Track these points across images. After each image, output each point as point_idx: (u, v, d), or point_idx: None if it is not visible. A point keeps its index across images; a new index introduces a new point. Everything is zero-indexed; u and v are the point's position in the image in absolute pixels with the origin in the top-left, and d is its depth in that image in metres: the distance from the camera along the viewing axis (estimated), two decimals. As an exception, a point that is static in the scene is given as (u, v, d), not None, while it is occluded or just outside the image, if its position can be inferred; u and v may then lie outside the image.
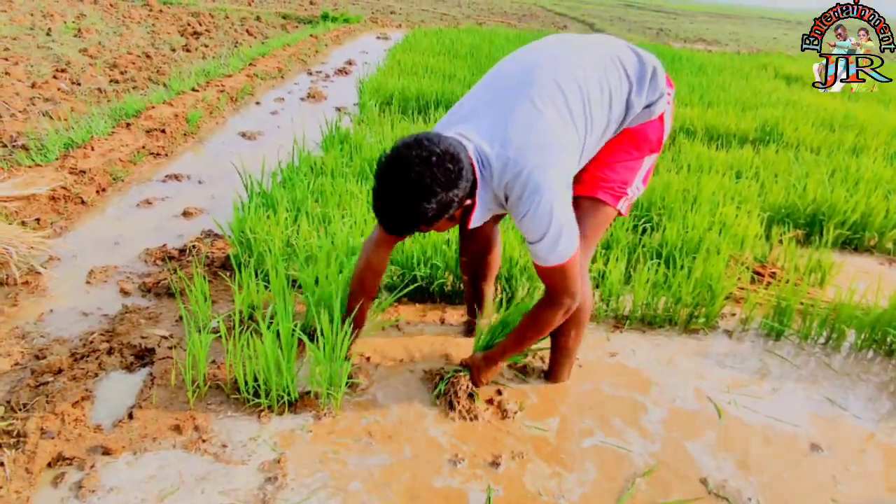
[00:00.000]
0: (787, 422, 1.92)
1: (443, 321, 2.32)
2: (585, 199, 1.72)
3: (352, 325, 1.88)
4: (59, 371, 1.83)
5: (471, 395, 1.86)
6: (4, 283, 2.31)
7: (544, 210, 1.46)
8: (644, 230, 2.95)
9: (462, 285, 2.35)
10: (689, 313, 2.41)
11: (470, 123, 1.54)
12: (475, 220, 1.56)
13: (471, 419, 1.81)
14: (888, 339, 2.34)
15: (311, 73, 7.36)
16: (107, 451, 1.57)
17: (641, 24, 22.83)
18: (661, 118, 1.71)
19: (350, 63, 8.21)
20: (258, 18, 12.57)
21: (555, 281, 1.59)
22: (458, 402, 1.83)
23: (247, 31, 10.39)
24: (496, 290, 2.40)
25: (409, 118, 4.83)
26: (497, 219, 2.08)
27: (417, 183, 1.37)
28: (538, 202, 1.46)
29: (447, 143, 1.42)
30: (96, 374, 1.85)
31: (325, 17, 13.37)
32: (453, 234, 2.46)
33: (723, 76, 8.05)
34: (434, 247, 2.41)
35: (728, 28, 26.42)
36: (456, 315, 2.35)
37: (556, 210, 1.47)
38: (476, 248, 2.06)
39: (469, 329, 2.23)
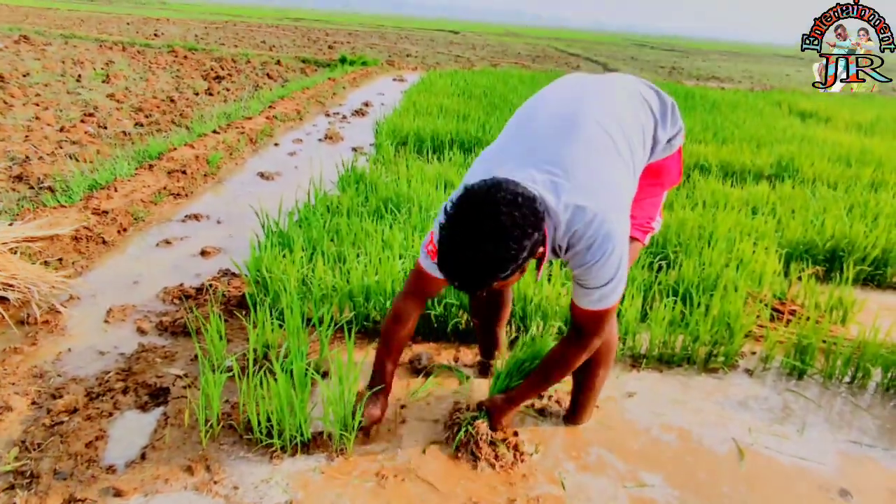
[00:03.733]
0: (813, 465, 1.86)
1: (457, 360, 2.30)
2: None
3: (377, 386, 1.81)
4: (75, 410, 1.84)
5: (492, 443, 1.78)
6: (25, 321, 2.35)
7: (615, 260, 1.42)
8: (660, 267, 2.93)
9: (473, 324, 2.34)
10: (707, 352, 2.36)
11: (520, 171, 1.43)
12: (541, 273, 1.50)
13: (490, 467, 1.75)
14: (916, 379, 2.27)
15: (328, 115, 7.54)
16: (118, 493, 1.57)
17: (654, 63, 23.15)
18: (679, 151, 1.76)
19: (367, 105, 8.40)
20: (278, 62, 12.98)
21: (592, 323, 1.56)
22: (480, 451, 1.76)
23: (267, 74, 10.73)
24: (509, 328, 2.39)
25: (424, 158, 4.91)
26: None
27: (509, 224, 1.25)
28: (611, 252, 1.40)
29: (522, 185, 1.33)
30: (111, 414, 1.85)
31: (342, 60, 13.77)
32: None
33: (737, 113, 8.09)
34: (448, 287, 2.40)
35: (741, 66, 26.67)
36: (470, 354, 2.33)
37: (623, 259, 1.44)
38: (488, 296, 2.05)
39: (483, 369, 2.21)
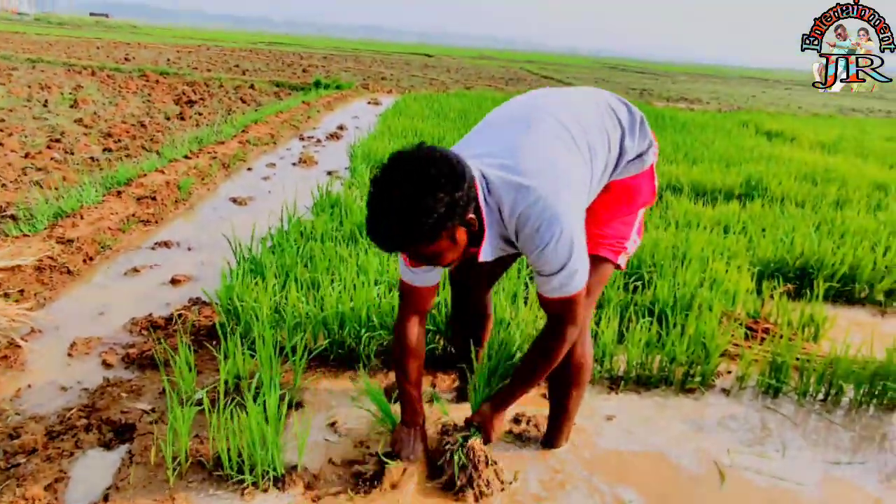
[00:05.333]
0: (792, 486, 1.86)
1: (434, 385, 2.26)
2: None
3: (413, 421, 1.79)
4: (33, 451, 1.75)
5: (488, 462, 1.71)
6: (-17, 357, 2.25)
7: (565, 242, 1.40)
8: (635, 288, 2.94)
9: (452, 349, 2.31)
10: (684, 372, 2.36)
11: (473, 155, 1.46)
12: (485, 253, 1.48)
13: (484, 494, 1.67)
14: (888, 394, 2.30)
15: (302, 139, 7.51)
16: (79, 539, 1.49)
17: (625, 85, 23.68)
18: (651, 169, 1.73)
19: (341, 128, 8.40)
20: (252, 87, 12.94)
21: (563, 311, 1.55)
22: (479, 475, 1.67)
23: (241, 98, 10.68)
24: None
25: (399, 180, 4.89)
26: (492, 281, 2.06)
27: (422, 178, 1.27)
28: (559, 235, 1.40)
29: (448, 152, 1.35)
30: (72, 454, 1.77)
31: (317, 84, 13.79)
32: (442, 296, 2.43)
33: (706, 133, 8.28)
34: (424, 310, 2.38)
35: (709, 87, 27.44)
36: (448, 380, 2.30)
37: (575, 243, 1.42)
38: (470, 311, 2.04)
39: (461, 394, 2.18)
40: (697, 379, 2.36)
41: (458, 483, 1.68)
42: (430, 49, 59.62)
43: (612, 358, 2.37)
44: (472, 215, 1.38)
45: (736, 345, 2.60)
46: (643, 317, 2.58)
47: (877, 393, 2.32)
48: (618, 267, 1.74)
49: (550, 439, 1.93)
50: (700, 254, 3.21)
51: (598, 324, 2.45)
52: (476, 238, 1.45)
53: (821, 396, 2.36)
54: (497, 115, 1.66)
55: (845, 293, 3.28)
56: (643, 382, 2.36)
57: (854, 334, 2.62)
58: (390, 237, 1.32)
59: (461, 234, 1.39)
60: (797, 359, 2.42)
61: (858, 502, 1.82)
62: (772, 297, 3.01)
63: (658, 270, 3.00)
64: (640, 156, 1.69)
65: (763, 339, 2.67)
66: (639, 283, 2.96)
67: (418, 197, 1.27)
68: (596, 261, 1.69)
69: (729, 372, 2.49)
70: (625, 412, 2.18)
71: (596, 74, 31.74)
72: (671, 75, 39.03)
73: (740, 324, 2.75)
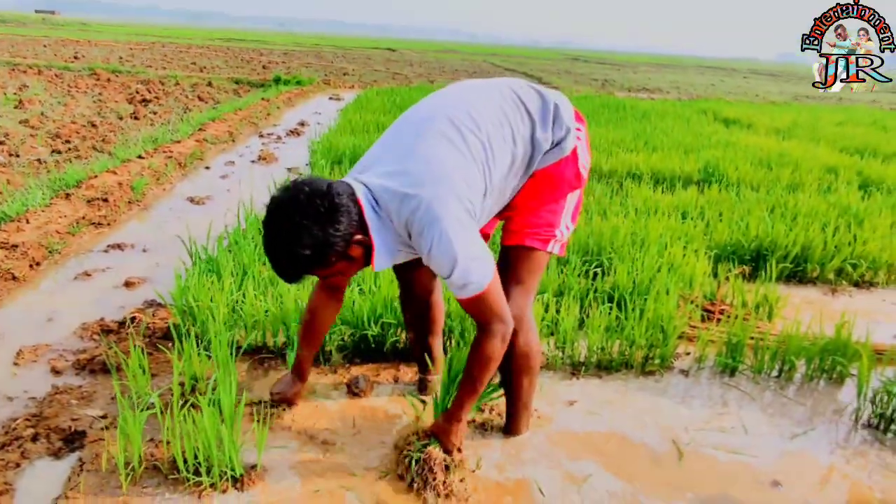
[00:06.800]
0: (748, 458, 1.90)
1: (397, 380, 2.25)
2: (515, 248, 1.73)
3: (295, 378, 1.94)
4: (-24, 464, 1.68)
5: (446, 468, 1.70)
6: (-79, 369, 2.14)
7: (445, 241, 1.44)
8: (595, 275, 2.97)
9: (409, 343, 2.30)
10: (644, 355, 2.40)
11: (370, 171, 1.58)
12: (379, 263, 1.54)
13: (445, 496, 1.66)
14: (836, 368, 2.38)
15: (262, 136, 7.38)
16: (25, 552, 1.43)
17: (588, 76, 23.93)
18: (573, 154, 1.70)
19: (302, 124, 8.28)
20: (210, 84, 12.64)
21: (479, 310, 1.57)
22: (434, 478, 1.66)
23: (198, 96, 10.42)
24: (448, 343, 2.36)
25: (361, 175, 4.84)
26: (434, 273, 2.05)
27: (289, 224, 1.42)
28: (438, 235, 1.44)
29: (317, 182, 1.46)
30: (18, 465, 1.70)
31: (277, 80, 13.56)
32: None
33: (665, 121, 8.42)
34: (385, 304, 2.36)
35: (669, 77, 27.93)
36: (410, 373, 2.28)
37: (456, 240, 1.44)
38: (416, 302, 2.03)
39: (423, 386, 2.17)
40: (657, 361, 2.40)
41: (416, 486, 1.68)
42: (392, 43, 59.22)
43: (573, 344, 2.39)
44: (359, 236, 1.49)
45: (693, 327, 2.66)
46: (603, 303, 2.61)
47: (826, 368, 2.39)
48: (554, 255, 1.76)
49: (510, 427, 1.95)
50: (658, 239, 3.26)
51: (558, 311, 2.47)
52: (370, 251, 1.54)
53: (775, 373, 2.42)
54: (402, 119, 1.70)
55: (798, 273, 3.38)
56: (604, 367, 2.39)
57: (806, 312, 2.70)
58: (282, 276, 1.51)
59: (355, 251, 1.51)
60: (752, 338, 2.48)
61: (813, 471, 1.87)
62: (727, 279, 3.08)
63: (618, 256, 3.04)
64: (557, 144, 1.68)
65: (719, 321, 2.73)
66: (599, 271, 2.99)
67: (289, 244, 1.43)
68: (524, 251, 1.71)
69: (688, 353, 2.53)
70: (586, 396, 2.21)
71: (558, 66, 31.99)
72: (632, 66, 39.61)
73: (697, 306, 2.80)
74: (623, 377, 2.36)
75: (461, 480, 1.71)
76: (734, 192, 4.62)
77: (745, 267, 3.34)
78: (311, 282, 2.46)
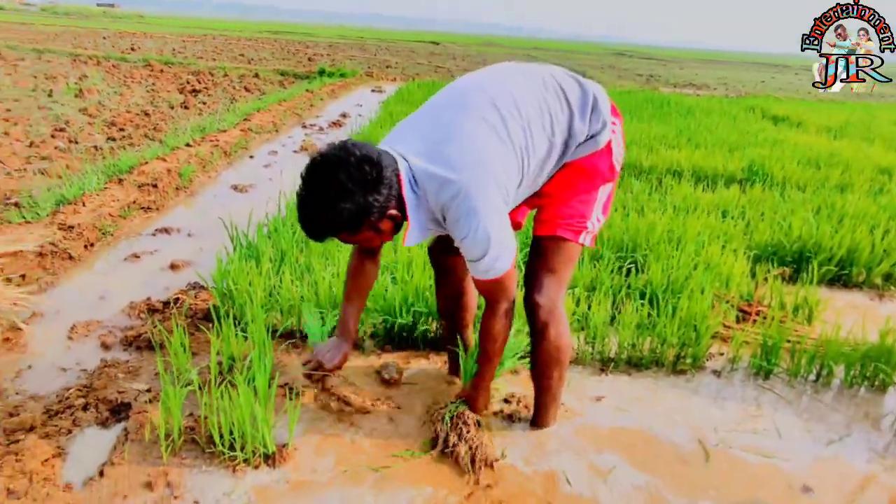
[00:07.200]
0: (779, 462, 1.87)
1: (426, 368, 2.29)
2: (548, 238, 1.74)
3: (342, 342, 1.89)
4: (32, 428, 1.80)
5: (478, 423, 1.85)
6: (-16, 340, 2.30)
7: (482, 235, 1.49)
8: (628, 271, 2.95)
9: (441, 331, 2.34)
10: (675, 354, 2.38)
11: (404, 143, 1.58)
12: (410, 239, 1.57)
13: (475, 449, 1.76)
14: (879, 375, 2.31)
15: (305, 127, 7.53)
16: (74, 512, 1.53)
17: (632, 71, 23.48)
18: (608, 147, 1.71)
19: (344, 116, 8.40)
20: (256, 75, 12.95)
21: (493, 291, 1.65)
22: (468, 430, 1.79)
23: (245, 87, 10.69)
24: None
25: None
26: None
27: (335, 183, 1.42)
28: (476, 225, 1.48)
29: (369, 149, 1.46)
30: (70, 431, 1.82)
31: (321, 72, 13.78)
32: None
33: (710, 118, 8.22)
34: (417, 293, 2.40)
35: (717, 73, 27.14)
36: (440, 361, 2.32)
37: (492, 235, 1.50)
38: (450, 289, 2.06)
39: (453, 370, 2.21)
40: (688, 360, 2.37)
41: (450, 441, 1.77)
42: (435, 36, 59.22)
43: (602, 340, 2.39)
44: (393, 210, 1.51)
45: (728, 327, 2.61)
46: (635, 300, 2.59)
47: (868, 374, 2.32)
48: (584, 246, 1.77)
49: (538, 419, 1.96)
50: (696, 238, 3.20)
51: (589, 307, 2.47)
52: (398, 225, 1.57)
53: (812, 378, 2.37)
54: (441, 94, 1.69)
55: (843, 277, 3.28)
56: (634, 364, 2.38)
57: (849, 317, 2.62)
58: (308, 231, 1.51)
59: (384, 225, 1.54)
60: (789, 341, 2.42)
61: (848, 479, 1.83)
62: (766, 280, 3.01)
63: (653, 254, 3.00)
64: (592, 137, 1.68)
65: (755, 322, 2.67)
66: (632, 267, 2.97)
67: (328, 202, 1.44)
68: (557, 241, 1.73)
69: (721, 354, 2.50)
70: (615, 393, 2.20)
71: (602, 61, 31.46)
72: (679, 61, 38.63)
73: (732, 306, 2.75)
74: (653, 375, 2.34)
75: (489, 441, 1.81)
76: (778, 192, 4.49)
77: (785, 268, 3.25)
78: (342, 260, 2.53)
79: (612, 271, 2.84)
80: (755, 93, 16.09)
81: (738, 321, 2.70)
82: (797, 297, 2.79)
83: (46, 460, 1.67)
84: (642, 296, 2.69)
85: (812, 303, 2.76)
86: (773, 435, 2.01)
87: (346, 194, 1.43)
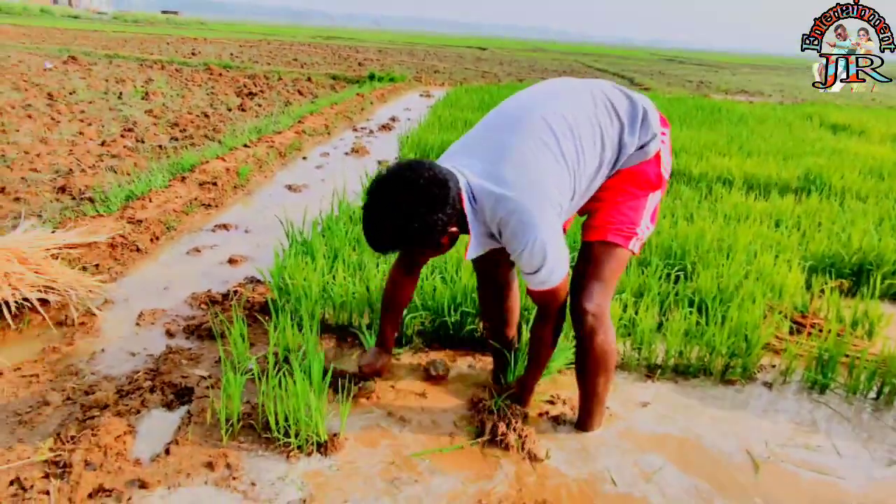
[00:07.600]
0: (835, 480, 1.83)
1: (472, 366, 2.33)
2: (598, 244, 1.77)
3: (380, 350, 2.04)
4: (105, 406, 1.93)
5: (525, 417, 1.95)
6: (63, 323, 2.47)
7: (539, 249, 1.56)
8: (677, 278, 2.92)
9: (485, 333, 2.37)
10: (724, 363, 2.35)
11: (465, 159, 1.65)
12: (471, 252, 1.65)
13: (521, 440, 1.84)
14: (942, 394, 2.22)
15: (356, 130, 7.70)
16: (143, 485, 1.64)
17: (682, 78, 22.95)
18: (657, 157, 1.76)
19: (394, 119, 8.55)
20: (309, 79, 13.30)
21: (546, 301, 1.72)
22: (517, 422, 1.87)
23: (298, 91, 11.01)
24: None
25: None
26: (511, 263, 2.11)
27: (405, 200, 1.47)
28: (533, 242, 1.55)
29: (436, 169, 1.52)
30: (138, 411, 1.94)
31: (371, 76, 14.03)
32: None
33: (764, 126, 7.99)
34: (465, 293, 2.45)
35: (773, 79, 26.25)
36: (484, 361, 2.36)
37: (549, 248, 1.57)
38: (494, 293, 2.10)
39: (497, 377, 2.24)
40: (738, 370, 2.34)
41: (499, 430, 1.85)
42: (483, 41, 59.34)
43: (649, 346, 2.38)
44: (454, 228, 1.57)
45: (780, 338, 2.56)
46: (684, 307, 2.57)
47: (931, 393, 2.24)
48: (632, 253, 1.79)
49: (583, 423, 1.98)
50: (747, 246, 3.14)
51: (636, 313, 2.46)
52: (455, 238, 1.62)
53: (872, 395, 2.29)
54: (493, 116, 1.76)
55: (906, 291, 3.15)
56: (681, 372, 2.36)
57: (911, 333, 2.53)
58: (374, 245, 1.57)
59: (445, 240, 1.59)
60: (846, 355, 2.36)
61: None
62: (822, 292, 2.93)
63: (702, 262, 2.97)
64: (642, 147, 1.74)
65: (810, 334, 2.61)
66: (681, 274, 2.94)
67: (396, 222, 1.49)
68: (608, 247, 1.76)
69: (773, 366, 2.45)
70: (661, 400, 2.20)
71: (651, 67, 30.87)
72: (732, 67, 37.53)
73: (786, 317, 2.69)
74: (700, 384, 2.32)
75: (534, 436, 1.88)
76: (837, 202, 4.34)
77: (843, 281, 3.15)
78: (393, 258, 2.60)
79: (660, 278, 2.82)
80: (813, 99, 15.49)
81: (791, 333, 2.64)
82: (856, 311, 2.71)
83: (119, 436, 1.79)
84: (691, 303, 2.66)
85: (873, 317, 2.68)
86: (828, 451, 1.96)
87: (414, 215, 1.48)
